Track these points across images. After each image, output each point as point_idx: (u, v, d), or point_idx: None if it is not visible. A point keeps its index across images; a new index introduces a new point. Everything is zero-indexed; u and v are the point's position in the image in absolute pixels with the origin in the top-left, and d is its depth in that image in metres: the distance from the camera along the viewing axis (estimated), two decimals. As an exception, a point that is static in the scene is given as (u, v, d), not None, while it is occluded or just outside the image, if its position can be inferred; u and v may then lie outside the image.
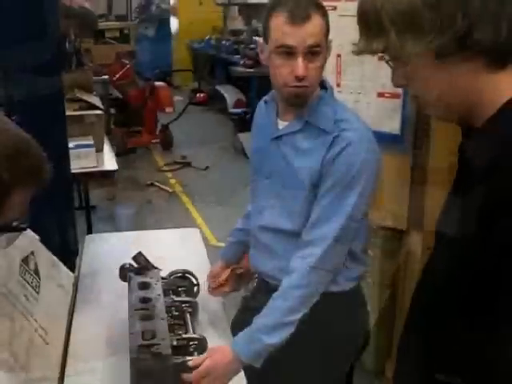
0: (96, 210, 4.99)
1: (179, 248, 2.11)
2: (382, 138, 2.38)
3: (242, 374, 1.47)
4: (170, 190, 5.48)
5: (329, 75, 2.54)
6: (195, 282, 1.78)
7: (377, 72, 2.34)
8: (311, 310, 1.45)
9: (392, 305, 2.59)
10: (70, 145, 3.35)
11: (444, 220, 0.88)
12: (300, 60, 1.38)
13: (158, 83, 6.65)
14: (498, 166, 0.76)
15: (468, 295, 0.78)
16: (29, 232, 1.74)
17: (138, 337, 1.38)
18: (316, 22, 1.37)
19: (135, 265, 1.76)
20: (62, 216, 2.10)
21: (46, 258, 1.83)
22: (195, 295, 1.74)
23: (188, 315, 1.59)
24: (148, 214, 5.04)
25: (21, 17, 1.85)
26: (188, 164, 6.20)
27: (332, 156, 1.44)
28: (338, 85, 2.47)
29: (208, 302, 1.78)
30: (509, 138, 0.76)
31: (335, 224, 1.43)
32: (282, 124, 1.56)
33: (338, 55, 2.44)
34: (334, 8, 2.33)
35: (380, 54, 0.85)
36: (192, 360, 1.40)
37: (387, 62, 0.86)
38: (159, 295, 1.57)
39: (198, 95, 7.37)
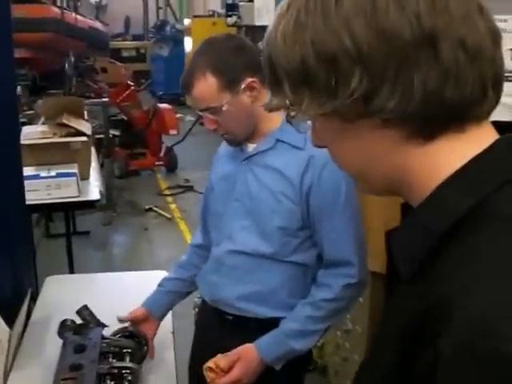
0: (90, 235, 4.86)
1: (142, 294, 1.93)
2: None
3: None
4: (169, 216, 5.33)
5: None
6: (144, 342, 1.60)
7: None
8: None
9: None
10: (52, 173, 3.26)
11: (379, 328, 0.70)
12: (204, 117, 1.44)
13: (162, 105, 6.56)
14: (429, 267, 0.58)
15: None
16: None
17: (55, 416, 1.21)
18: (200, 88, 1.40)
19: (78, 320, 1.60)
20: (15, 256, 1.95)
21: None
22: (142, 359, 1.56)
23: (126, 384, 1.41)
24: (143, 241, 4.90)
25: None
26: (190, 188, 6.06)
27: (314, 178, 1.44)
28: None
29: (157, 366, 1.60)
30: (437, 230, 0.58)
31: (355, 241, 1.48)
32: (250, 146, 1.54)
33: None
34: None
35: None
36: (214, 360, 1.41)
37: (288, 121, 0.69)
38: (93, 362, 1.40)
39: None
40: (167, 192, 6.05)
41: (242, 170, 1.53)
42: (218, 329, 1.59)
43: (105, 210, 5.28)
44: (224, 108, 1.39)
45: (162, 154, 6.68)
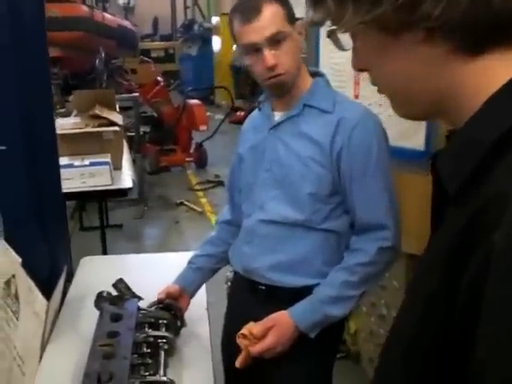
0: (123, 228, 4.90)
1: (175, 273, 1.92)
2: (405, 155, 2.15)
3: None
4: (200, 210, 5.34)
5: (347, 86, 2.35)
6: (179, 315, 1.59)
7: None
8: None
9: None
10: (86, 162, 3.30)
11: (421, 258, 0.67)
12: (265, 52, 1.38)
13: (192, 101, 6.58)
14: (477, 181, 0.55)
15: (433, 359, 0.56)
16: (11, 253, 1.62)
17: (93, 378, 1.21)
18: (268, 12, 1.38)
19: (114, 292, 1.60)
20: (50, 237, 1.97)
21: (24, 283, 1.70)
22: (177, 330, 1.55)
23: (162, 353, 1.40)
24: (175, 234, 4.91)
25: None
26: (221, 183, 6.07)
27: (344, 140, 1.43)
28: (357, 96, 2.27)
29: (191, 339, 1.59)
30: (488, 140, 0.55)
31: (388, 204, 1.46)
32: (277, 115, 1.53)
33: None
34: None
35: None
36: (248, 328, 1.40)
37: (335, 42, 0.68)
38: (130, 329, 1.39)
39: (238, 113, 7.27)
40: (198, 187, 6.07)
41: (271, 139, 1.52)
42: (251, 300, 1.59)
43: (136, 204, 5.34)
44: (294, 34, 1.40)
45: (192, 151, 6.70)
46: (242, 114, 7.36)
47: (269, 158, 1.52)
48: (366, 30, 0.61)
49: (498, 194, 0.50)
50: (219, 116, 8.41)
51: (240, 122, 7.59)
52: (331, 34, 0.68)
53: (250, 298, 1.59)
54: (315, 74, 1.54)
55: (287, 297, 1.50)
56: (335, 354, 1.68)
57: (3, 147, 1.74)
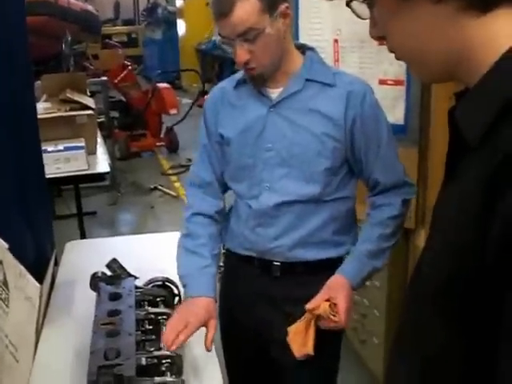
0: (97, 215, 4.84)
1: (164, 254, 1.92)
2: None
3: None
4: (174, 194, 5.32)
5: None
6: (176, 291, 1.60)
7: (378, 57, 2.15)
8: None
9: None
10: (60, 147, 3.24)
11: (437, 205, 0.69)
12: (237, 47, 1.38)
13: (161, 84, 6.50)
14: (497, 130, 0.57)
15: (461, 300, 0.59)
16: (-3, 239, 1.60)
17: (99, 356, 1.20)
18: (241, 8, 1.34)
19: (109, 273, 1.60)
20: (35, 222, 1.94)
21: (13, 268, 1.67)
22: (175, 306, 1.56)
23: (164, 329, 1.41)
24: (151, 219, 4.89)
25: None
26: (193, 167, 6.04)
27: (356, 112, 1.45)
28: (337, 73, 2.28)
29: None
30: (508, 91, 0.58)
31: (400, 167, 1.54)
32: (274, 92, 1.49)
33: (335, 41, 2.26)
34: (329, -10, 2.14)
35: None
36: (313, 303, 1.41)
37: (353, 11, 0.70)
38: (130, 307, 1.39)
39: (205, 97, 7.20)
40: (170, 172, 6.02)
41: (272, 117, 1.48)
42: (263, 277, 1.57)
43: (109, 190, 5.27)
44: (266, 30, 1.35)
45: (162, 135, 6.64)
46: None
47: (270, 138, 1.48)
48: None
49: None
50: (187, 100, 8.34)
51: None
52: (349, 3, 0.70)
53: (262, 275, 1.57)
54: (303, 48, 1.53)
55: (301, 271, 1.53)
56: (339, 358, 1.70)
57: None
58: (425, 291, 0.65)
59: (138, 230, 4.58)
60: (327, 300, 1.41)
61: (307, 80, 1.46)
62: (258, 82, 1.47)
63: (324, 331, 1.45)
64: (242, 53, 1.37)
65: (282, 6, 1.37)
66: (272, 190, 1.50)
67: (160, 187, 5.50)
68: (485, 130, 0.60)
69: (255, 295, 1.59)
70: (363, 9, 0.73)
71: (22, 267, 1.70)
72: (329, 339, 1.50)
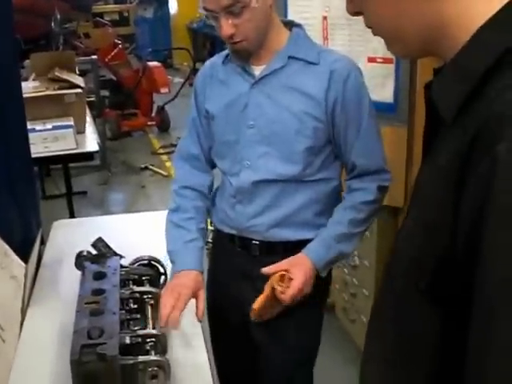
0: (87, 195, 4.82)
1: (151, 233, 1.92)
2: (375, 108, 2.17)
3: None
4: (165, 174, 5.29)
5: (315, 40, 2.34)
6: (162, 270, 1.59)
7: (367, 35, 2.12)
8: None
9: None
10: (48, 126, 3.21)
11: (415, 182, 0.69)
12: (222, 21, 1.36)
13: (152, 63, 6.43)
14: (470, 106, 0.57)
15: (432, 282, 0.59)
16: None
17: (83, 335, 1.20)
18: None
19: (94, 252, 1.59)
20: (21, 201, 1.93)
21: (-2, 247, 1.66)
22: (161, 285, 1.56)
23: (149, 308, 1.41)
24: (142, 198, 4.87)
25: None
26: (185, 146, 6.00)
27: (338, 92, 1.42)
28: (326, 51, 2.25)
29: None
30: (479, 69, 0.57)
31: (379, 153, 1.51)
32: (257, 69, 1.48)
33: (324, 18, 2.23)
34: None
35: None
36: (270, 267, 1.42)
37: None
38: (115, 286, 1.39)
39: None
40: (161, 151, 5.99)
41: (253, 94, 1.46)
42: (243, 255, 1.58)
43: (99, 170, 5.25)
44: (252, 4, 1.33)
45: (153, 114, 6.58)
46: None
47: (252, 115, 1.46)
48: None
49: (495, 114, 0.53)
50: (178, 79, 8.26)
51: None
52: None
53: (242, 254, 1.58)
54: (290, 24, 1.50)
55: (281, 250, 1.52)
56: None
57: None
58: (399, 266, 0.65)
59: (128, 209, 4.57)
60: (285, 271, 1.42)
61: (290, 57, 1.44)
62: (242, 57, 1.45)
63: (303, 312, 1.46)
64: (227, 26, 1.35)
65: None
66: (252, 168, 1.49)
67: (151, 167, 5.47)
68: (459, 105, 0.59)
69: (236, 272, 1.60)
70: None
71: (7, 246, 1.70)
72: (307, 319, 1.52)
